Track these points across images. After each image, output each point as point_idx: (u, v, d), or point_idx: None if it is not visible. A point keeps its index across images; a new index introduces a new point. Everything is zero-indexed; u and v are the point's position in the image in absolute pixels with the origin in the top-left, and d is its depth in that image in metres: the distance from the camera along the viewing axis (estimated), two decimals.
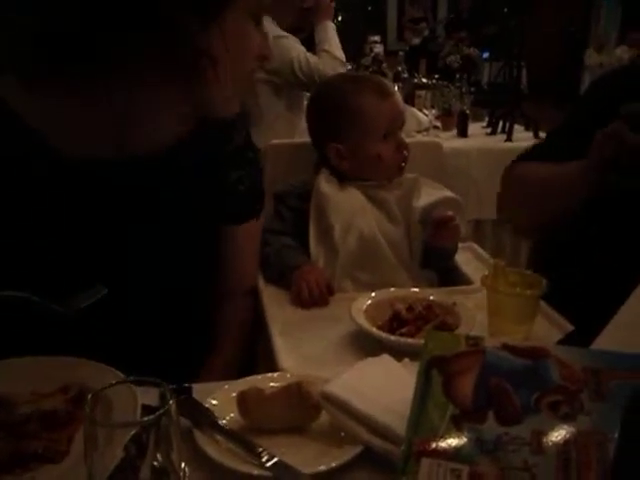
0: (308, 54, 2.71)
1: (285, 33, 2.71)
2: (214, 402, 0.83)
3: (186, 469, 0.54)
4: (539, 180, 1.35)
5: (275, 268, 1.33)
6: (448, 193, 1.44)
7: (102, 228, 1.03)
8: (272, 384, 0.87)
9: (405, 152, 1.42)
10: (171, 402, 0.51)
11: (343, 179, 1.42)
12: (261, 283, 1.31)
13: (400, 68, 4.17)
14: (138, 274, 1.07)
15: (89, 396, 0.52)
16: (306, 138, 1.54)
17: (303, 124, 1.62)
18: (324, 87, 1.55)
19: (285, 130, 2.61)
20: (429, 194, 1.43)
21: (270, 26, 2.68)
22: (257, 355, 1.24)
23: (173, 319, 1.11)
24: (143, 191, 1.04)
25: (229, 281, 1.24)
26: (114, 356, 0.89)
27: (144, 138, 1.02)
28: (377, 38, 5.57)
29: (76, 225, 1.02)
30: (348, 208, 1.37)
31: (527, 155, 1.43)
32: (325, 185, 1.39)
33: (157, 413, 0.50)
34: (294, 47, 2.68)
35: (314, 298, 1.23)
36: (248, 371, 1.10)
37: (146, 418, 0.50)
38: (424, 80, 3.83)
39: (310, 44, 2.86)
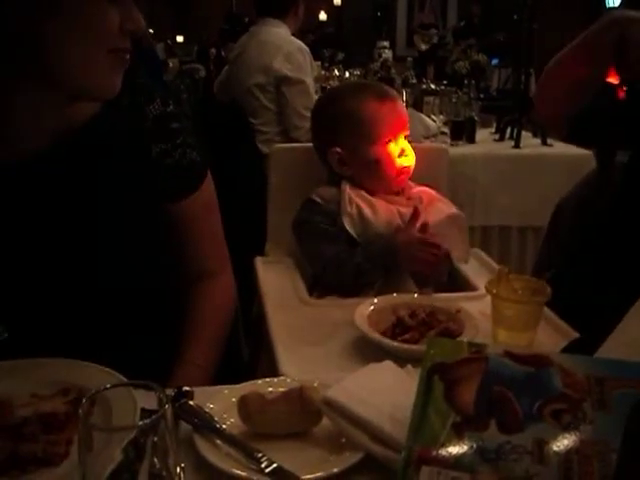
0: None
1: (303, 46, 2.98)
2: (214, 407, 0.83)
3: (182, 474, 0.54)
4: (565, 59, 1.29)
5: (349, 266, 1.32)
6: (454, 210, 1.42)
7: (43, 229, 1.03)
8: (273, 389, 0.86)
9: (407, 159, 1.39)
10: (167, 406, 0.50)
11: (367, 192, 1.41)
12: (263, 287, 1.31)
13: (408, 74, 4.17)
14: (95, 268, 1.06)
15: (84, 399, 0.51)
16: None
17: None
18: (326, 93, 1.57)
19: None
20: (438, 209, 1.40)
21: (290, 38, 3.01)
22: (258, 360, 1.24)
23: (142, 313, 1.10)
24: (66, 184, 1.03)
25: (192, 264, 1.19)
26: (86, 355, 0.90)
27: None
28: (386, 44, 5.58)
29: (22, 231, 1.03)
30: (384, 217, 1.36)
31: None
32: (356, 197, 1.38)
33: (153, 417, 0.49)
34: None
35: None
36: (244, 373, 1.09)
37: (141, 422, 0.50)
38: (432, 86, 3.82)
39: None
